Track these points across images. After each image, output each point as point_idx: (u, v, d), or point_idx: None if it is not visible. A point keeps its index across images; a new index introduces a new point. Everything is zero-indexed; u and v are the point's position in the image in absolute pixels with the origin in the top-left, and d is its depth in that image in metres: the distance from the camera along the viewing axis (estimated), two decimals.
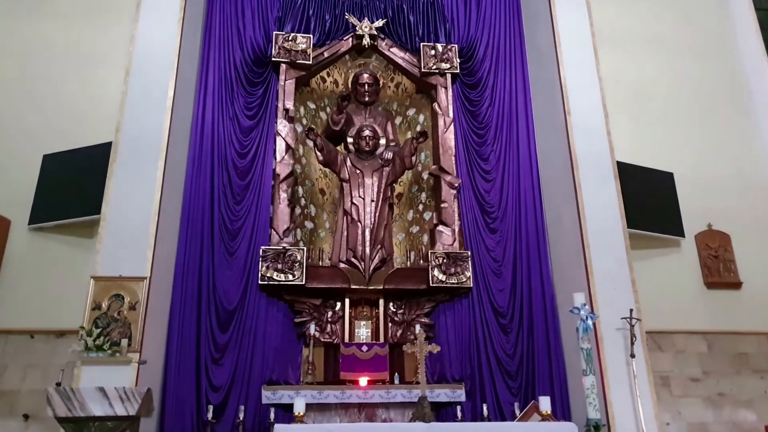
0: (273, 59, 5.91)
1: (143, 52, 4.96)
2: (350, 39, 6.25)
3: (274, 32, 5.99)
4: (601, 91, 5.24)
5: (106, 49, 6.00)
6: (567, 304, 5.08)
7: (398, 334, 5.48)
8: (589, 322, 3.67)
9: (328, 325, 5.46)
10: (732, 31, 7.14)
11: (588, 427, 3.47)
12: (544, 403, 3.84)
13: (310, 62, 5.99)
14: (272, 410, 4.81)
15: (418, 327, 5.35)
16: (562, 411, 4.76)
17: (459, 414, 4.95)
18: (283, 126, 5.76)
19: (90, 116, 5.63)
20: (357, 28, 6.15)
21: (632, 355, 4.03)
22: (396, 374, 5.20)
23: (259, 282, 5.16)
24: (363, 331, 5.52)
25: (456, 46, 6.24)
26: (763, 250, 6.21)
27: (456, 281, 5.37)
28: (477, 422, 4.15)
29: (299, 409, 3.83)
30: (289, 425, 3.78)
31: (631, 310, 4.18)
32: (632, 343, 4.07)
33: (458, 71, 6.16)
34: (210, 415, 4.66)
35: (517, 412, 4.85)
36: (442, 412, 5.11)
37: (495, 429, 3.45)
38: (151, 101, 4.79)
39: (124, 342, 4.14)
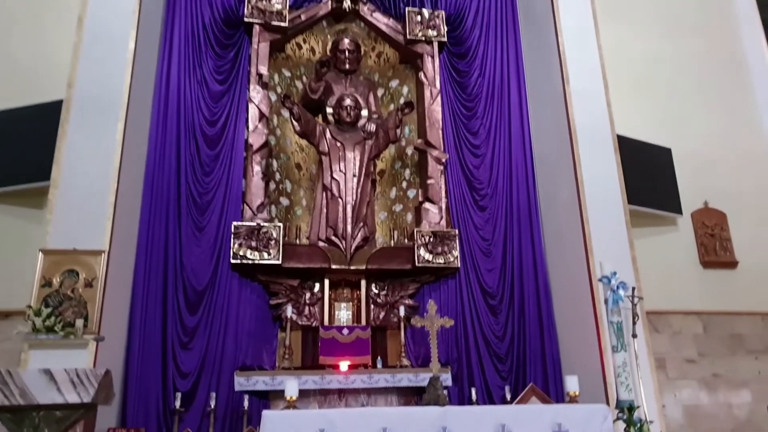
0: (245, 20, 5.55)
1: None
2: (329, 2, 5.94)
3: None
4: (600, 59, 5.06)
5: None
6: (561, 284, 4.96)
7: (381, 316, 5.27)
8: (621, 292, 3.45)
9: (306, 308, 5.20)
10: (732, 9, 7.10)
11: (621, 409, 3.25)
12: (572, 384, 3.61)
13: (286, 24, 5.64)
14: (246, 398, 4.55)
15: (402, 309, 5.13)
16: (555, 395, 4.64)
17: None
18: (256, 92, 5.41)
19: (39, 70, 5.13)
20: None
21: (634, 335, 3.89)
22: (379, 358, 4.98)
23: (231, 261, 4.85)
24: (343, 314, 5.29)
25: (443, 12, 5.99)
26: (760, 229, 6.21)
27: (443, 261, 5.16)
28: (499, 405, 3.88)
29: (291, 392, 3.50)
30: (281, 411, 3.45)
31: (633, 288, 4.04)
32: (634, 323, 3.92)
33: (445, 39, 5.92)
34: (178, 404, 4.36)
35: (508, 395, 4.70)
36: None
37: (520, 412, 3.14)
38: (108, 54, 4.35)
39: (79, 323, 3.76)
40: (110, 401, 2.77)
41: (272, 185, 5.52)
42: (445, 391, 4.66)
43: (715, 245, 6.00)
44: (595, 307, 4.30)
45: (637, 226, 4.73)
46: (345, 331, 5.00)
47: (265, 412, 3.05)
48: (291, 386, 3.53)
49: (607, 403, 3.92)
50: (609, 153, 4.81)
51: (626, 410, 3.33)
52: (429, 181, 5.49)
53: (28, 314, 3.71)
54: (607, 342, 3.97)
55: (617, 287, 3.50)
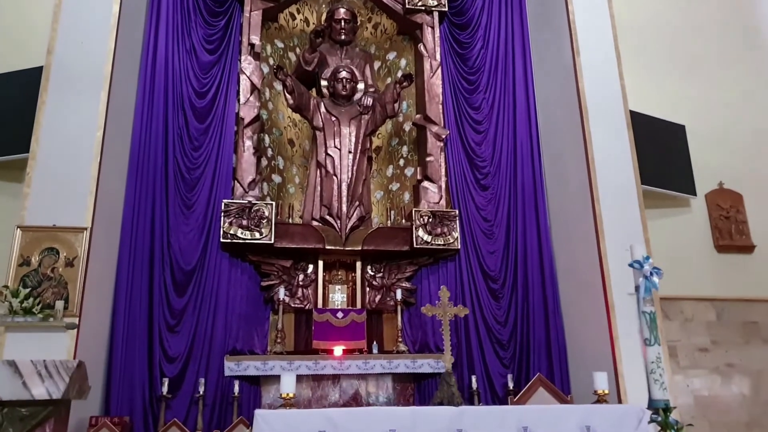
0: None
1: None
2: None
3: None
4: (613, 30, 4.88)
5: None
6: (568, 268, 4.84)
7: (377, 299, 5.17)
8: (655, 279, 3.22)
9: (299, 290, 5.09)
10: None
11: (655, 410, 3.03)
12: (600, 381, 3.36)
13: None
14: (236, 383, 4.46)
15: (399, 292, 5.03)
16: (561, 384, 4.55)
17: None
18: (248, 63, 5.22)
19: (16, 34, 4.89)
20: None
21: None
22: (374, 343, 4.90)
23: (221, 240, 4.71)
24: (338, 297, 5.19)
25: None
26: None
27: (442, 242, 5.05)
28: (521, 405, 3.63)
29: (288, 388, 3.16)
30: (277, 411, 3.13)
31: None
32: None
33: (446, 9, 5.75)
34: (165, 390, 4.26)
35: (510, 384, 4.62)
36: (424, 383, 4.87)
37: (544, 413, 2.89)
38: (91, 18, 4.15)
39: (59, 304, 3.62)
40: (85, 395, 2.55)
41: (264, 161, 5.37)
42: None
43: (730, 228, 5.83)
44: (606, 293, 4.20)
45: (647, 208, 4.59)
46: (339, 315, 4.91)
47: (258, 412, 2.80)
48: (287, 381, 3.18)
49: (618, 396, 3.82)
50: (621, 129, 4.67)
51: (661, 411, 3.09)
52: (428, 159, 5.35)
53: (4, 295, 3.56)
54: (618, 331, 3.87)
55: (651, 273, 3.25)
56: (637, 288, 3.32)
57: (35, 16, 4.95)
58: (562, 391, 4.19)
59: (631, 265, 3.35)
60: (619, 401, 3.79)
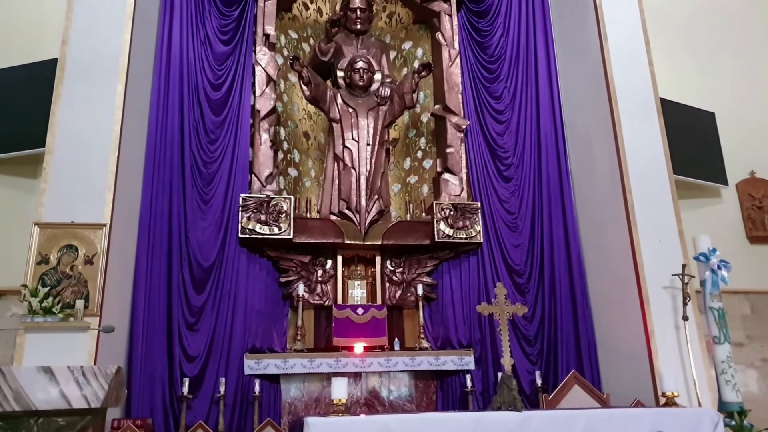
0: None
1: None
2: None
3: None
4: (641, 14, 4.74)
5: None
6: (597, 260, 4.73)
7: (397, 295, 5.09)
8: (723, 272, 3.07)
9: (318, 286, 5.01)
10: None
11: (728, 413, 2.88)
12: (668, 383, 3.21)
13: None
14: (257, 382, 4.39)
15: (420, 287, 4.95)
16: (592, 381, 4.42)
17: (469, 384, 4.61)
18: (263, 54, 5.12)
19: (29, 26, 4.80)
20: None
21: (685, 318, 3.63)
22: (396, 340, 4.82)
23: (240, 235, 4.62)
24: (357, 292, 5.11)
25: None
26: None
27: (464, 236, 4.95)
28: (590, 408, 3.48)
29: (339, 393, 3.04)
30: (327, 419, 3.03)
31: (684, 266, 3.78)
32: (684, 304, 3.66)
33: None
34: (185, 390, 4.18)
35: (539, 381, 4.53)
36: (447, 381, 4.79)
37: (613, 417, 2.80)
38: (106, 8, 4.05)
39: (80, 303, 3.53)
40: (121, 402, 2.42)
41: (280, 155, 5.28)
42: (468, 376, 4.60)
43: (763, 219, 5.70)
44: (640, 287, 4.08)
45: (679, 198, 4.46)
46: (360, 311, 4.83)
47: (309, 420, 2.70)
48: (338, 387, 3.07)
49: (655, 393, 3.71)
50: (652, 117, 4.54)
51: (736, 415, 2.93)
52: (448, 150, 5.24)
53: (23, 294, 3.48)
54: (653, 326, 3.75)
55: (718, 266, 3.09)
56: (702, 282, 3.16)
57: (48, 7, 4.85)
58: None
59: (696, 258, 3.21)
60: (657, 401, 3.68)
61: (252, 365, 4.46)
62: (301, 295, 4.75)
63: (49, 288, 3.53)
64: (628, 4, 4.88)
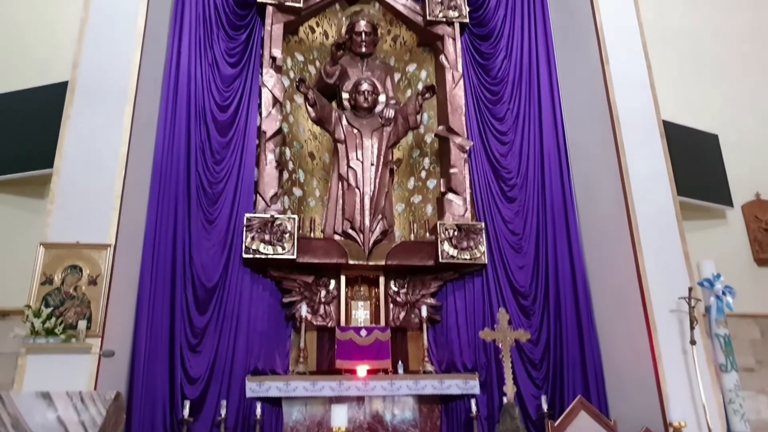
0: (258, 0, 5.33)
1: None
2: None
3: None
4: (642, 37, 4.78)
5: None
6: (602, 283, 4.69)
7: (401, 316, 5.04)
8: (728, 298, 3.01)
9: (321, 306, 4.97)
10: None
11: None
12: (677, 410, 3.10)
13: (301, 5, 5.42)
14: (258, 405, 4.33)
15: (424, 309, 4.90)
16: (599, 406, 4.34)
17: (474, 408, 4.53)
18: (269, 76, 5.17)
19: (44, 50, 4.89)
20: None
21: (692, 342, 3.57)
22: (399, 363, 4.75)
23: (243, 255, 4.61)
24: (361, 313, 5.06)
25: None
26: None
27: (469, 257, 4.92)
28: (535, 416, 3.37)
29: (340, 422, 3.01)
30: None
31: (690, 289, 3.73)
32: (692, 328, 3.60)
33: (467, 20, 5.70)
34: (186, 412, 4.12)
35: (544, 406, 4.45)
36: (451, 405, 4.71)
37: None
38: (116, 33, 4.12)
39: (82, 324, 3.51)
40: (120, 427, 2.38)
41: (285, 175, 5.30)
42: (473, 401, 4.52)
43: None
44: (646, 311, 4.02)
45: (684, 219, 4.43)
46: (363, 333, 4.78)
47: None
48: (339, 414, 3.06)
49: (663, 419, 3.63)
50: (655, 139, 4.54)
51: None
52: (452, 171, 5.25)
53: (26, 315, 3.46)
54: (660, 350, 3.69)
55: (723, 292, 3.03)
56: (707, 309, 3.11)
57: (60, 31, 4.93)
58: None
59: (700, 284, 3.15)
60: (665, 428, 3.59)
61: (254, 388, 4.40)
62: (304, 316, 4.71)
63: (52, 308, 3.52)
64: (629, 28, 4.93)
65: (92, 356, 3.46)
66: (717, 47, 6.31)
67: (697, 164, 5.40)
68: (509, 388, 3.33)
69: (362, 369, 4.58)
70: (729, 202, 5.64)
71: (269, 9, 5.35)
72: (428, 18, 5.63)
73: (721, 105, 6.01)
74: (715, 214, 5.69)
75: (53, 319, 3.45)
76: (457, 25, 5.67)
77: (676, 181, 4.52)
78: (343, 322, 4.85)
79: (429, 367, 4.72)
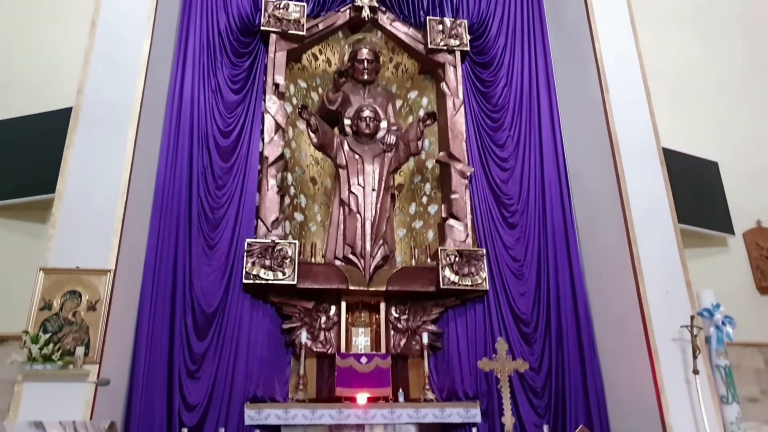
0: (262, 28, 5.41)
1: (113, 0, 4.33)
2: (348, 11, 5.81)
3: None
4: (641, 67, 4.83)
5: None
6: (604, 310, 4.65)
7: (402, 343, 4.98)
8: (728, 329, 2.97)
9: (321, 333, 4.92)
10: None
11: None
12: None
13: (304, 33, 5.49)
14: None
15: (425, 336, 4.84)
16: None
17: None
18: (272, 103, 5.22)
19: (49, 77, 4.94)
20: None
21: (695, 371, 3.51)
22: (400, 390, 4.67)
23: (244, 280, 4.58)
24: (361, 340, 4.99)
25: (465, 21, 5.85)
26: None
27: (470, 283, 4.89)
28: None
29: None
30: None
31: (692, 317, 3.69)
32: (695, 357, 3.54)
33: (468, 49, 5.76)
34: None
35: None
36: None
37: None
38: (121, 59, 4.16)
39: (80, 351, 3.47)
40: None
41: (286, 200, 5.31)
42: (474, 429, 4.43)
43: None
44: (648, 339, 3.98)
45: (684, 247, 4.40)
46: (363, 360, 4.71)
47: None
48: None
49: None
50: (655, 167, 4.55)
51: None
52: (453, 196, 5.25)
53: (24, 340, 3.42)
54: (663, 379, 3.62)
55: (723, 322, 2.99)
56: (707, 339, 3.06)
57: (62, 60, 5.01)
58: None
59: (700, 314, 3.11)
60: None
61: (252, 415, 4.32)
62: (303, 343, 4.66)
63: (50, 334, 3.48)
64: (628, 56, 4.98)
65: (89, 383, 3.40)
66: (715, 76, 6.35)
67: (697, 192, 5.40)
68: (507, 420, 3.29)
69: (362, 397, 4.50)
70: (730, 230, 5.62)
71: (273, 37, 5.42)
72: (429, 46, 5.70)
73: (720, 133, 6.03)
74: (716, 241, 5.65)
75: (51, 345, 3.41)
76: (458, 53, 5.73)
77: (676, 209, 4.51)
78: (343, 349, 4.80)
79: (430, 395, 4.64)
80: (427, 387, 4.68)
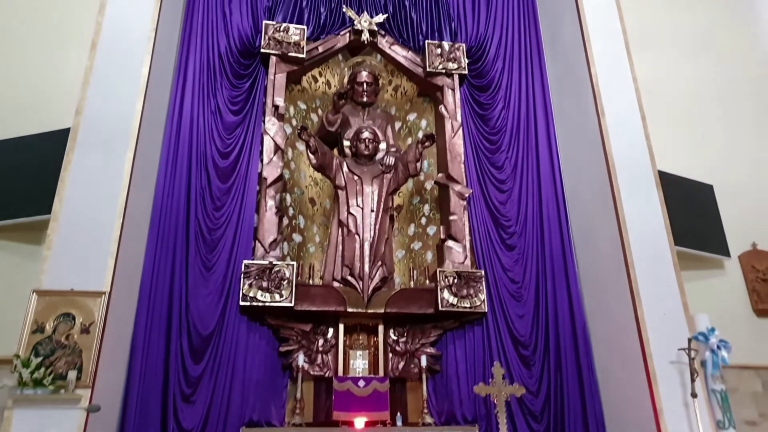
0: (262, 50, 5.43)
1: (114, 21, 4.35)
2: (347, 34, 5.84)
3: (264, 22, 5.51)
4: (636, 92, 4.86)
5: (70, 22, 5.35)
6: (602, 333, 4.58)
7: (400, 366, 4.89)
8: (723, 353, 2.92)
9: (319, 356, 4.83)
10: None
11: None
12: None
13: (304, 56, 5.51)
14: None
15: (423, 358, 4.76)
16: None
17: None
18: (271, 124, 5.21)
19: (48, 97, 4.93)
20: (356, 22, 5.75)
21: (693, 395, 3.44)
22: (398, 414, 4.58)
23: (241, 302, 4.51)
24: (359, 363, 4.91)
25: (464, 45, 5.88)
26: None
27: (469, 305, 4.82)
28: None
29: None
30: None
31: (690, 340, 3.63)
32: (693, 380, 3.48)
33: (466, 72, 5.78)
34: None
35: None
36: None
37: None
38: (120, 80, 4.15)
39: (72, 375, 3.38)
40: None
41: (285, 221, 5.26)
42: None
43: None
44: (646, 362, 3.92)
45: (681, 269, 4.36)
46: (361, 383, 4.63)
47: None
48: None
49: None
50: (651, 189, 4.54)
51: None
52: (452, 218, 5.22)
53: (15, 365, 3.33)
54: (662, 404, 3.55)
55: (717, 346, 2.94)
56: (703, 363, 3.01)
57: (63, 78, 5.00)
58: None
59: (695, 338, 3.06)
60: None
61: None
62: (301, 366, 4.57)
63: (41, 358, 3.39)
64: (623, 80, 5.00)
65: (81, 409, 3.30)
66: (709, 99, 6.38)
67: (693, 214, 5.38)
68: None
69: (360, 421, 4.42)
70: (726, 252, 5.60)
71: (273, 59, 5.43)
72: (428, 69, 5.72)
73: (715, 156, 6.04)
74: (712, 264, 5.62)
75: (42, 370, 3.32)
76: (456, 77, 5.76)
77: (672, 231, 4.48)
78: (341, 372, 4.71)
79: (428, 419, 4.55)
80: (426, 411, 4.59)
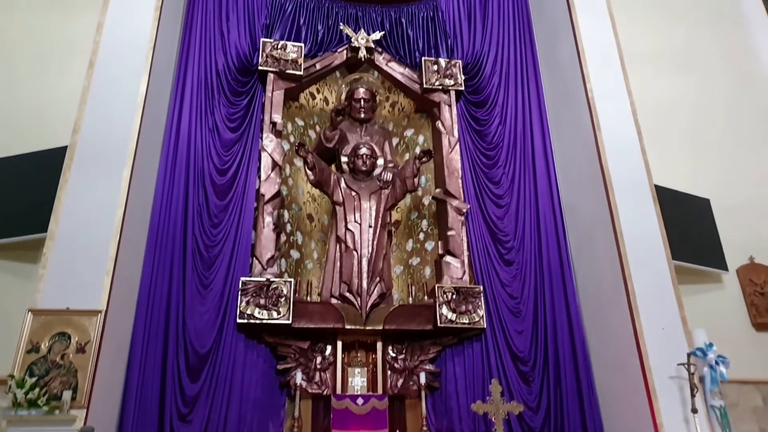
0: (260, 68, 5.46)
1: (112, 40, 4.37)
2: (345, 51, 5.87)
3: (262, 39, 5.54)
4: (632, 106, 4.88)
5: (69, 39, 5.39)
6: (602, 349, 4.54)
7: (399, 383, 4.83)
8: (722, 368, 2.88)
9: (317, 373, 4.77)
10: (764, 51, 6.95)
11: None
12: None
13: (301, 73, 5.53)
14: None
15: (422, 376, 4.70)
16: None
17: None
18: (269, 141, 5.21)
19: (45, 116, 4.94)
20: (353, 39, 5.78)
21: (694, 411, 3.41)
22: None
23: (238, 320, 4.47)
24: (358, 381, 4.85)
25: (460, 61, 5.91)
26: None
27: (467, 321, 4.79)
28: None
29: None
30: None
31: (689, 355, 3.60)
32: (693, 395, 3.45)
33: (463, 88, 5.81)
34: None
35: None
36: None
37: None
38: (118, 99, 4.16)
39: (67, 395, 3.33)
40: None
41: (283, 237, 5.24)
42: None
43: (767, 305, 5.50)
44: (646, 378, 3.88)
45: (678, 284, 4.34)
46: (360, 401, 4.57)
47: None
48: None
49: None
50: (648, 204, 4.54)
51: None
52: (449, 233, 5.20)
53: (9, 385, 3.28)
54: (662, 419, 3.50)
55: (716, 362, 2.91)
56: (701, 379, 2.97)
57: (61, 96, 5.01)
58: None
59: (693, 354, 3.02)
60: None
61: None
62: (299, 384, 4.51)
63: (36, 378, 3.35)
64: (619, 95, 5.02)
65: (75, 430, 3.25)
66: (704, 114, 6.41)
67: (690, 228, 5.37)
68: None
69: None
70: (724, 266, 5.58)
71: (270, 76, 5.46)
72: (425, 86, 5.75)
73: (711, 170, 6.05)
74: (710, 278, 5.60)
75: (37, 390, 3.27)
76: (452, 93, 5.78)
77: (670, 245, 4.47)
78: (339, 390, 4.66)
79: None
80: (425, 428, 4.51)
